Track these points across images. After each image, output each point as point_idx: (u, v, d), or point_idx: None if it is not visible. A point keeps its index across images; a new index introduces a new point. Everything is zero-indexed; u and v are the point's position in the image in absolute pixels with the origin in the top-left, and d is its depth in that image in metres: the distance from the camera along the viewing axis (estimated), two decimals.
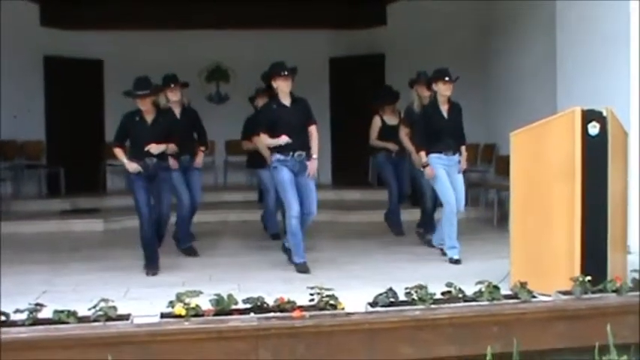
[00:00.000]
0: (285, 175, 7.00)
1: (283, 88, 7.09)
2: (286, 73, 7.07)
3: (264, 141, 7.26)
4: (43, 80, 12.69)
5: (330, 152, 13.83)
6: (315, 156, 7.08)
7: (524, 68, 10.13)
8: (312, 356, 4.70)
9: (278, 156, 7.03)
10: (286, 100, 7.13)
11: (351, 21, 13.14)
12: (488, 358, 4.40)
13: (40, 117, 12.64)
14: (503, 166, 9.46)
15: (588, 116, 5.59)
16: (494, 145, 11.08)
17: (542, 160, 5.72)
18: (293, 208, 6.96)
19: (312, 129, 7.15)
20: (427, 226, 8.43)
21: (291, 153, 7.00)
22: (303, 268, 6.96)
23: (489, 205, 10.25)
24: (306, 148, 7.09)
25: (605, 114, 5.62)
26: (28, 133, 12.25)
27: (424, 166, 7.50)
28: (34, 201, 11.89)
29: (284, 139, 6.95)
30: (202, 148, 8.27)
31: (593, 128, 5.58)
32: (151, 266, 7.11)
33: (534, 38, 9.76)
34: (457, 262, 7.29)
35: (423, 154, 7.50)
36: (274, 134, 7.04)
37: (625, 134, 6.04)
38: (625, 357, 4.55)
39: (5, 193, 11.54)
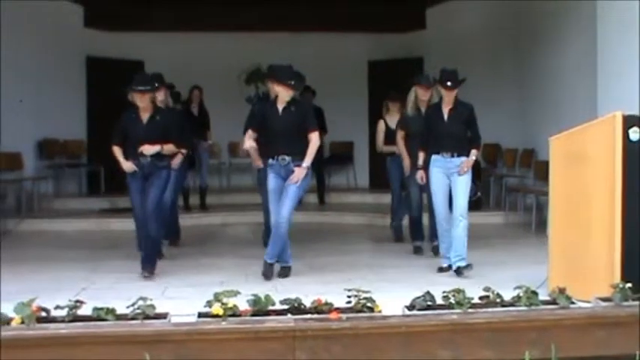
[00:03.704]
0: (270, 183, 6.91)
1: (283, 96, 6.80)
2: (292, 83, 6.76)
3: (246, 139, 7.14)
4: (85, 80, 12.86)
5: (367, 156, 13.84)
6: (304, 164, 6.74)
7: (563, 70, 10.03)
8: (349, 358, 4.69)
9: (267, 160, 6.94)
10: (281, 104, 6.83)
11: (390, 24, 13.10)
12: None
13: (81, 116, 12.81)
14: (542, 170, 9.37)
15: (629, 122, 5.52)
16: (532, 150, 10.99)
17: (582, 165, 5.66)
18: (272, 214, 6.92)
19: (312, 136, 6.80)
20: (417, 234, 8.28)
21: (275, 157, 6.83)
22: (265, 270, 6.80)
23: (528, 210, 10.17)
24: (297, 154, 6.77)
25: None
26: (69, 133, 12.41)
27: (418, 169, 7.33)
28: (75, 199, 12.05)
29: (249, 143, 6.98)
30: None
31: (634, 134, 5.51)
32: (147, 267, 6.91)
33: (573, 39, 9.65)
34: (447, 269, 6.99)
35: (421, 154, 7.31)
36: (261, 136, 6.98)
37: None
38: None
39: (47, 190, 11.70)
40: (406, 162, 8.09)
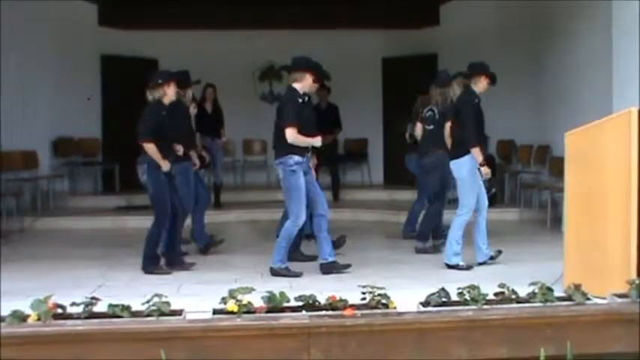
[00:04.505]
0: (302, 181, 6.68)
1: (311, 89, 6.85)
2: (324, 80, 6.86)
3: (295, 137, 6.63)
4: (100, 79, 12.90)
5: (382, 152, 13.83)
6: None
7: (579, 66, 9.98)
8: (363, 355, 4.69)
9: (297, 158, 6.64)
10: (300, 98, 6.74)
11: (404, 21, 13.08)
12: None
13: (96, 115, 12.84)
14: (557, 167, 9.33)
15: None
16: (547, 146, 10.94)
17: (597, 161, 5.63)
18: (301, 218, 6.74)
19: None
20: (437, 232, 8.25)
21: (306, 153, 6.72)
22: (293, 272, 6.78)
23: (543, 207, 10.13)
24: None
25: None
26: (84, 131, 12.46)
27: (482, 165, 6.92)
28: (90, 197, 12.11)
29: (318, 140, 6.73)
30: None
31: None
32: (159, 265, 7.07)
33: (589, 35, 9.59)
34: (456, 267, 7.00)
35: (478, 150, 6.90)
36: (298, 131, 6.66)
37: None
38: None
39: (62, 189, 11.74)
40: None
